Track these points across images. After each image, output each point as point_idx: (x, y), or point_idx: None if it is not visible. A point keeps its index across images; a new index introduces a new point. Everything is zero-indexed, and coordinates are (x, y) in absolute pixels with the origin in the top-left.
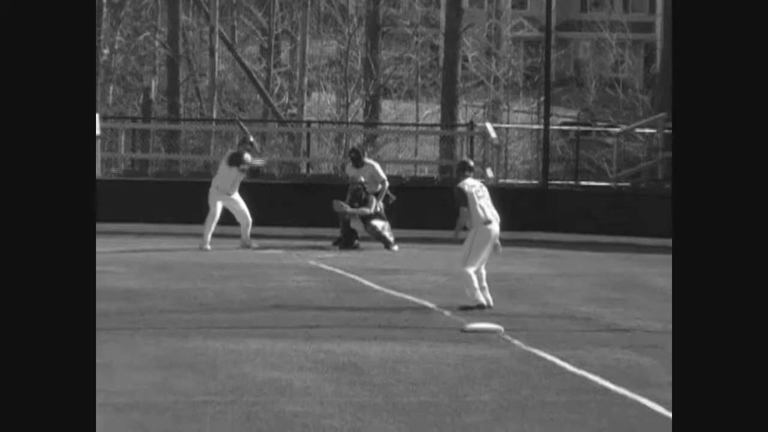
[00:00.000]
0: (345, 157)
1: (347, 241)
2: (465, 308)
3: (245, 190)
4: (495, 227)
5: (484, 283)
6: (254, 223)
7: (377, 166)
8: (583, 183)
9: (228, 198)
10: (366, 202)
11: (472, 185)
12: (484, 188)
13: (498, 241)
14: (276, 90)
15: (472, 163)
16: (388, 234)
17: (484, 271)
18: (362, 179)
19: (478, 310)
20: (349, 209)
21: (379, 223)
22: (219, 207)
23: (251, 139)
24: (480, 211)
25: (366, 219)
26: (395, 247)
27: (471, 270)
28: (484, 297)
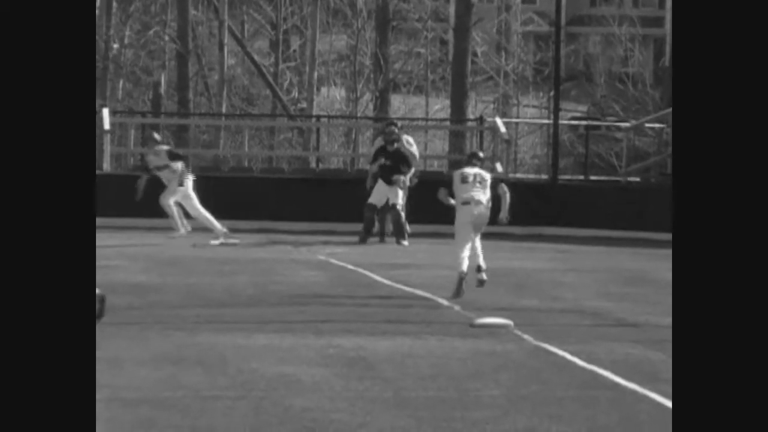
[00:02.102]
0: (354, 150)
1: (366, 235)
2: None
3: (258, 185)
4: (473, 208)
5: (480, 262)
6: (263, 218)
7: (412, 141)
8: (593, 177)
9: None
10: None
11: (467, 171)
12: (482, 176)
13: (482, 219)
14: (285, 85)
15: (481, 155)
16: (407, 226)
17: (481, 260)
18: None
19: (459, 277)
20: (402, 178)
21: (400, 201)
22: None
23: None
24: (460, 193)
25: (393, 201)
26: (405, 242)
27: (463, 251)
28: (467, 266)
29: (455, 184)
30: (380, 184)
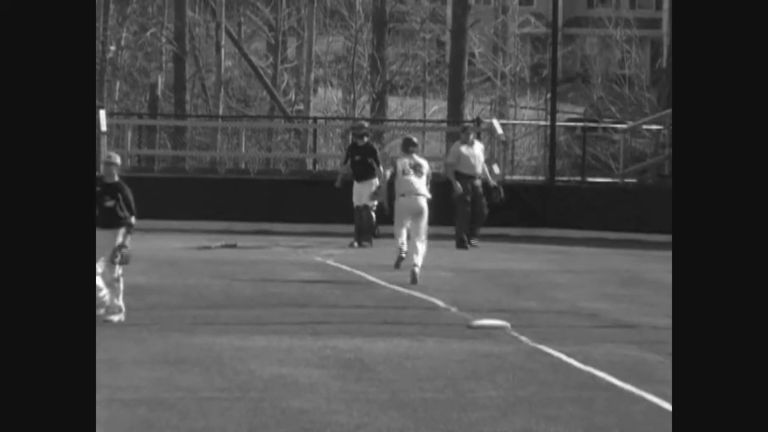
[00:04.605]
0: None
1: (359, 237)
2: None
3: (255, 186)
4: (410, 200)
5: (415, 256)
6: (261, 219)
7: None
8: (590, 179)
9: None
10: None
11: (405, 162)
12: (422, 167)
13: (422, 211)
14: (282, 86)
15: (415, 140)
16: (376, 229)
17: (419, 245)
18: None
19: (399, 260)
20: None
21: (371, 202)
22: None
23: None
24: (398, 185)
25: (366, 202)
26: (366, 244)
27: (401, 237)
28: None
29: (397, 176)
30: (355, 185)
